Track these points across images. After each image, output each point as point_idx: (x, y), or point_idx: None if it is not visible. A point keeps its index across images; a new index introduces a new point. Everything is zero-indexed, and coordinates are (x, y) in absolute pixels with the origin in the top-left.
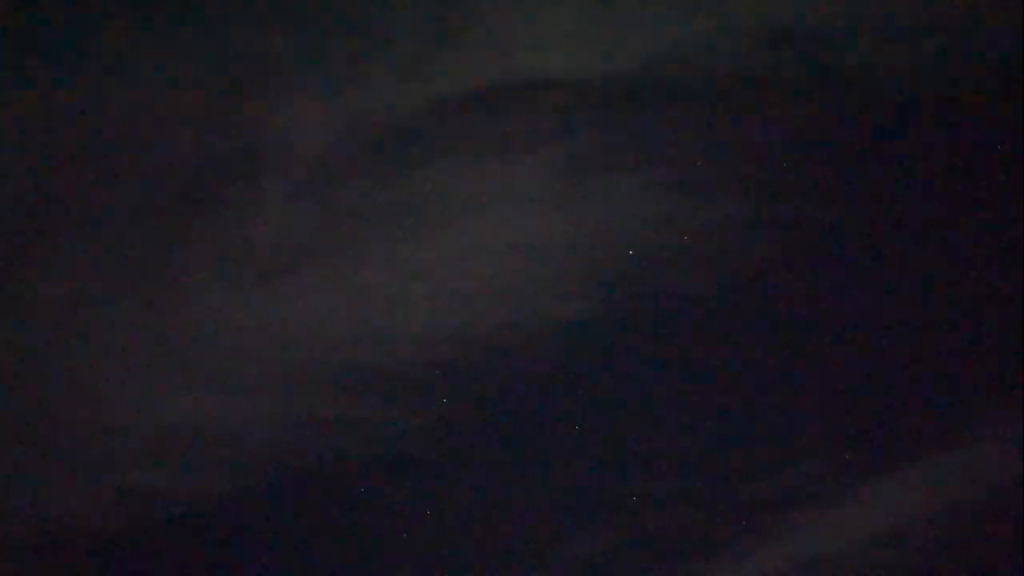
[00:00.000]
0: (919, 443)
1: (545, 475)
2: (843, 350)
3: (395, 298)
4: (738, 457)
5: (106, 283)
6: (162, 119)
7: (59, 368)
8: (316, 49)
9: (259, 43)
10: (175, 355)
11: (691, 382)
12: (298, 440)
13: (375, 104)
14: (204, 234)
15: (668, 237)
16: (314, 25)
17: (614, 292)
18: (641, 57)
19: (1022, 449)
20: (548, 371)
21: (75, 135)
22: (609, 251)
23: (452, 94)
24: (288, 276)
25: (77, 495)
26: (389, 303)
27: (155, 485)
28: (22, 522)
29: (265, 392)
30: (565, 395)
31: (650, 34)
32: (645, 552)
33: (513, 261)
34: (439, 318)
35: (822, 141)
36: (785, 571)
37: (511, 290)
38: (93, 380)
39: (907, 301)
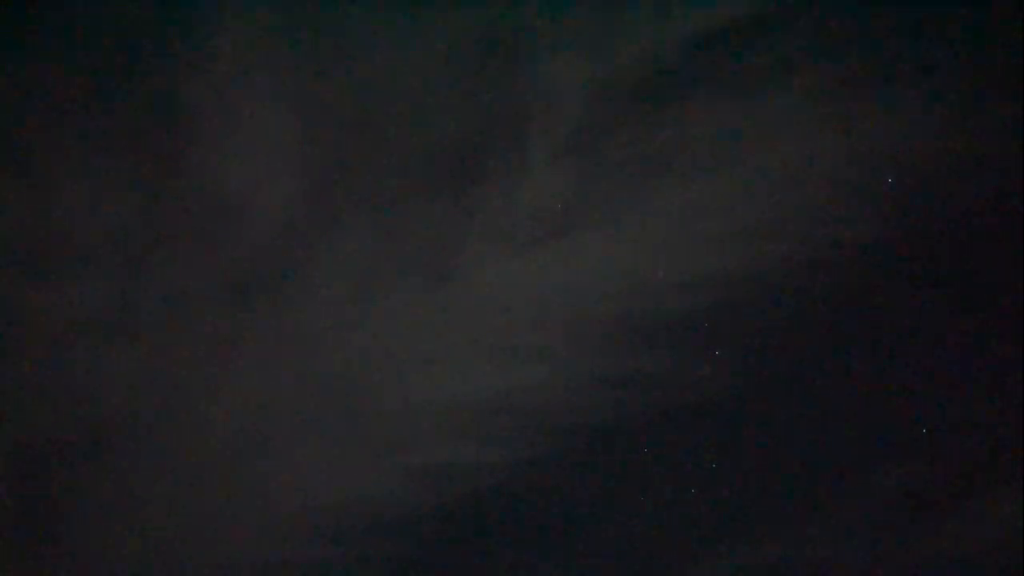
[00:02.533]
0: None
1: (844, 411)
2: None
3: (668, 245)
4: None
5: (390, 264)
6: (419, 94)
7: (355, 353)
8: (565, 4)
9: (509, 4)
10: (463, 329)
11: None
12: (589, 400)
13: (628, 51)
14: (477, 206)
15: (940, 153)
16: None
17: (894, 214)
18: None
19: None
20: (837, 302)
21: (342, 119)
22: (885, 171)
23: (701, 30)
24: (561, 236)
25: (387, 476)
26: (662, 251)
27: (460, 460)
28: (338, 508)
29: (552, 356)
30: (859, 327)
31: None
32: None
33: (786, 193)
34: (715, 260)
35: None
36: None
37: (788, 222)
38: (389, 361)
39: None
